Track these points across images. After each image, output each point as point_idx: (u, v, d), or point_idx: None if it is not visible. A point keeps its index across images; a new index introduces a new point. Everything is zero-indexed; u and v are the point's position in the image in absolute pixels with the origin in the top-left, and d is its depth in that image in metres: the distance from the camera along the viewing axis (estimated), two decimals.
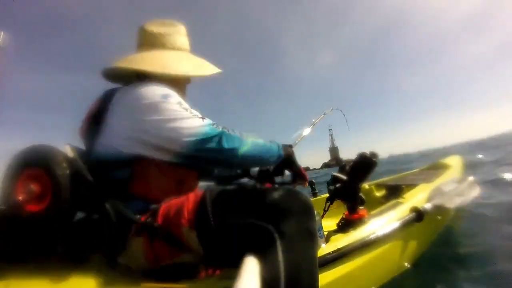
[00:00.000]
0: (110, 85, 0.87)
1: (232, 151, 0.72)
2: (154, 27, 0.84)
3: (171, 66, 0.81)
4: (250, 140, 0.77)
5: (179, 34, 0.87)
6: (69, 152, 0.71)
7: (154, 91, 0.71)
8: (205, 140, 0.70)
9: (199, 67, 0.89)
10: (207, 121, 0.73)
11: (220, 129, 0.73)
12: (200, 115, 0.73)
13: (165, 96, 0.71)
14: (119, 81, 0.89)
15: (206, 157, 0.73)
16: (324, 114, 1.55)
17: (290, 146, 0.99)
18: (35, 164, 0.67)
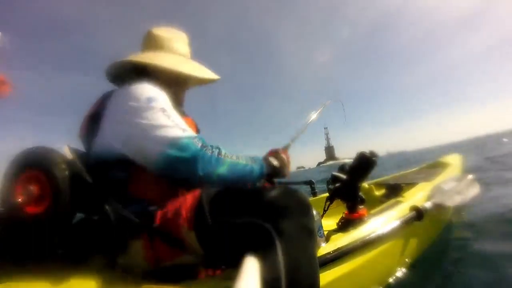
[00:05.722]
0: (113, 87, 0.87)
1: (206, 177, 0.68)
2: (161, 32, 0.91)
3: (177, 65, 0.86)
4: (228, 161, 0.72)
5: (183, 41, 0.94)
6: (68, 153, 0.71)
7: (142, 92, 0.71)
8: (179, 160, 0.66)
9: (199, 70, 0.94)
10: (188, 133, 0.69)
11: (198, 146, 0.68)
12: (182, 126, 0.70)
13: (150, 100, 0.69)
14: (120, 82, 0.89)
15: (180, 177, 0.70)
16: (324, 105, 1.33)
17: (285, 149, 0.96)
18: (34, 166, 0.67)
